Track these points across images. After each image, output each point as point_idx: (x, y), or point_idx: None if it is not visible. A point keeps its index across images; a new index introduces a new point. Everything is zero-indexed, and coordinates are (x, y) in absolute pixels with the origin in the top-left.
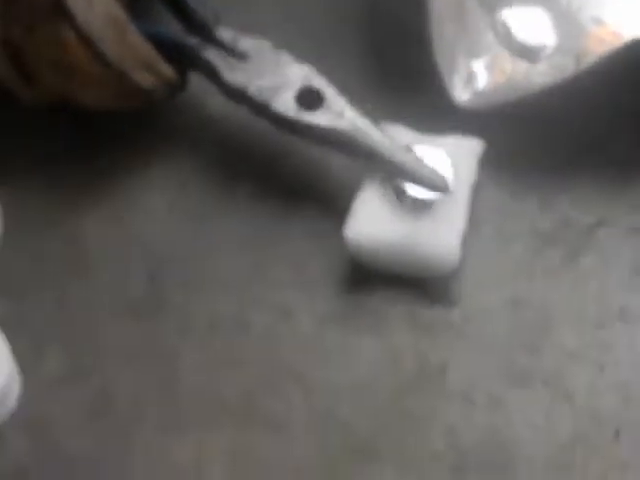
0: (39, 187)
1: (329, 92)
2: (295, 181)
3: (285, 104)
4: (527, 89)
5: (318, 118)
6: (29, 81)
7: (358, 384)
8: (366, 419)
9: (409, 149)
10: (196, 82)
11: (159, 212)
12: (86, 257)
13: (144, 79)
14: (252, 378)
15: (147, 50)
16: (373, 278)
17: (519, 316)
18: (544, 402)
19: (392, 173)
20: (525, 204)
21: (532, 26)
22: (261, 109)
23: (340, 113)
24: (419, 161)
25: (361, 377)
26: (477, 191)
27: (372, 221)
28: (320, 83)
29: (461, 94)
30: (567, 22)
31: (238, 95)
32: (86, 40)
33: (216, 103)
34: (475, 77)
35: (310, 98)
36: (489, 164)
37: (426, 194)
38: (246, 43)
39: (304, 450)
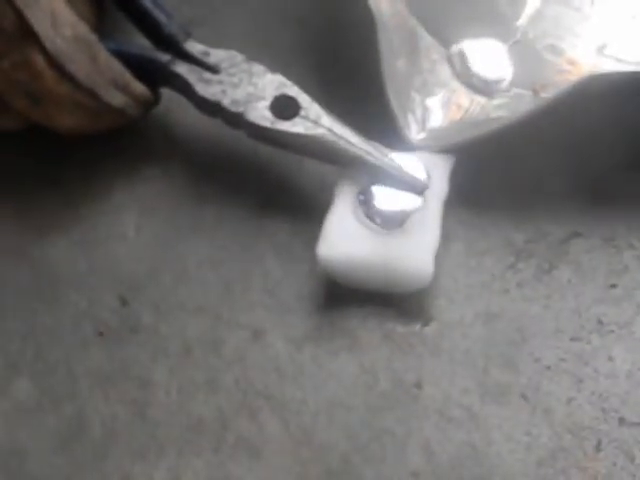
0: (5, 212)
1: (304, 100)
2: (265, 200)
3: (260, 114)
4: (484, 126)
5: (295, 126)
6: (1, 109)
7: (333, 404)
8: (343, 439)
9: (387, 153)
10: (162, 101)
11: (127, 235)
12: (55, 283)
13: (116, 98)
14: (226, 401)
15: (118, 68)
16: (346, 296)
17: (494, 330)
18: (522, 417)
19: (374, 178)
20: (496, 218)
21: (489, 58)
22: (236, 120)
23: (316, 120)
24: (400, 164)
25: (336, 397)
26: (446, 206)
27: (344, 238)
28: (294, 91)
29: (415, 134)
30: (524, 52)
31: (213, 108)
32: (55, 63)
33: (182, 122)
34: (430, 115)
35: (285, 107)
36: (457, 179)
37: (398, 208)
38: (217, 56)
39: (281, 473)
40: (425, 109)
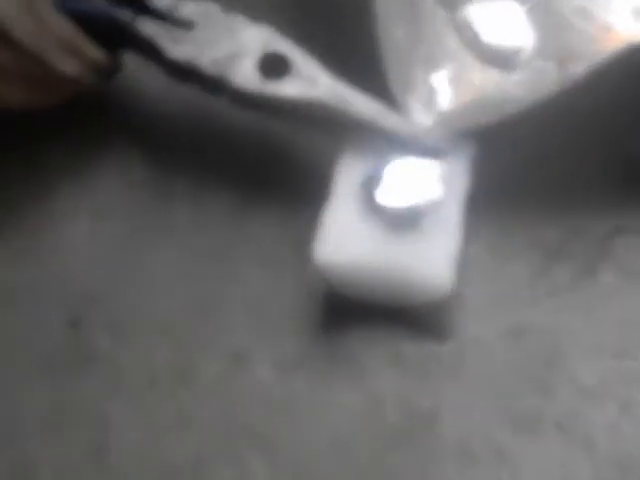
0: None
1: (297, 56)
2: (245, 195)
3: (245, 75)
4: (501, 108)
5: (287, 87)
6: None
7: (332, 443)
8: None
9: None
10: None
11: (78, 243)
12: None
13: (68, 64)
14: (202, 441)
15: (69, 30)
16: (347, 311)
17: (523, 348)
18: (558, 450)
19: (385, 152)
20: (523, 214)
21: (504, 25)
22: (216, 85)
23: (313, 79)
24: (414, 126)
25: (336, 435)
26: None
27: (345, 241)
28: (285, 47)
29: (422, 117)
30: (546, 17)
31: (186, 72)
32: None
33: (147, 97)
34: (437, 94)
35: (275, 65)
36: (476, 169)
37: (411, 204)
38: (189, 9)
39: None
40: (431, 88)
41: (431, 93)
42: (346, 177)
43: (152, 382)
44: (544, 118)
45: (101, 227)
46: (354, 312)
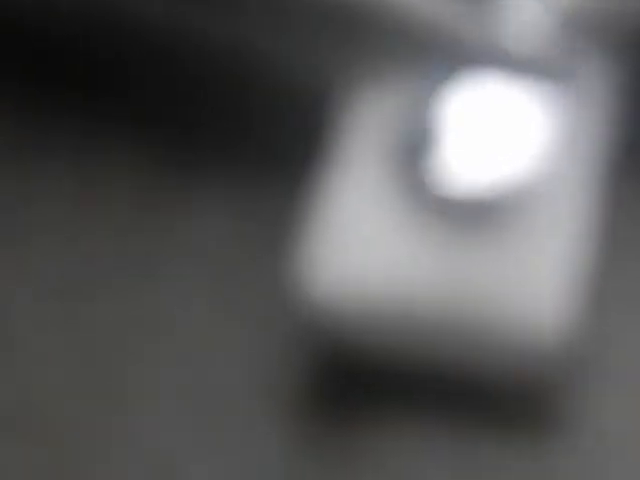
0: None
1: None
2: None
3: None
4: None
5: None
6: None
7: None
8: None
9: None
10: None
11: None
12: None
13: None
14: None
15: None
16: (359, 383)
17: None
18: None
19: (442, 79)
20: None
21: None
22: None
23: None
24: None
25: None
26: (612, 183)
27: (364, 254)
28: None
29: (533, 13)
30: None
31: None
32: None
33: None
34: None
35: None
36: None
37: (486, 189)
38: None
39: None
40: None
41: None
42: (365, 139)
43: None
44: None
45: None
46: (373, 384)
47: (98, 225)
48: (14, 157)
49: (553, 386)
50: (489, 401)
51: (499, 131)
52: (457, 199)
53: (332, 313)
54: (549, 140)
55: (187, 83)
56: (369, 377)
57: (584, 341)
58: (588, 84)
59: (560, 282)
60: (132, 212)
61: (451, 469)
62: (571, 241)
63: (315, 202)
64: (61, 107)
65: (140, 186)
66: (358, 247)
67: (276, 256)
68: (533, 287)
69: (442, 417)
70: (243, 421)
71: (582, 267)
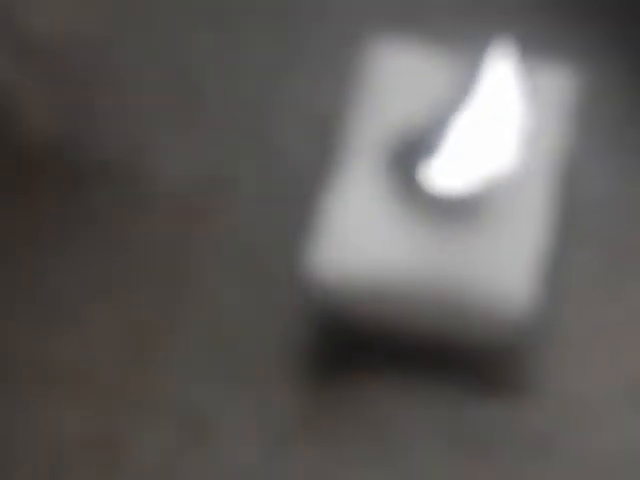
0: None
1: None
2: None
3: None
4: None
5: None
6: None
7: None
8: None
9: None
10: None
11: None
12: None
13: None
14: None
15: None
16: (362, 353)
17: None
18: None
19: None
20: None
21: None
22: None
23: None
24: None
25: None
26: (573, 171)
27: (365, 242)
28: None
29: None
30: None
31: None
32: None
33: None
34: None
35: None
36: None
37: (473, 183)
38: None
39: None
40: None
41: None
42: (365, 135)
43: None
44: None
45: None
46: (373, 354)
47: None
48: None
49: (521, 354)
50: (468, 368)
51: (474, 129)
52: (441, 193)
53: (336, 290)
54: (518, 138)
55: None
56: (365, 344)
57: (550, 313)
58: (549, 86)
59: (528, 262)
60: None
61: (433, 419)
62: (538, 227)
63: (322, 198)
64: None
65: None
66: (357, 235)
67: (289, 243)
68: (505, 267)
69: (429, 380)
70: (262, 376)
71: (547, 249)
